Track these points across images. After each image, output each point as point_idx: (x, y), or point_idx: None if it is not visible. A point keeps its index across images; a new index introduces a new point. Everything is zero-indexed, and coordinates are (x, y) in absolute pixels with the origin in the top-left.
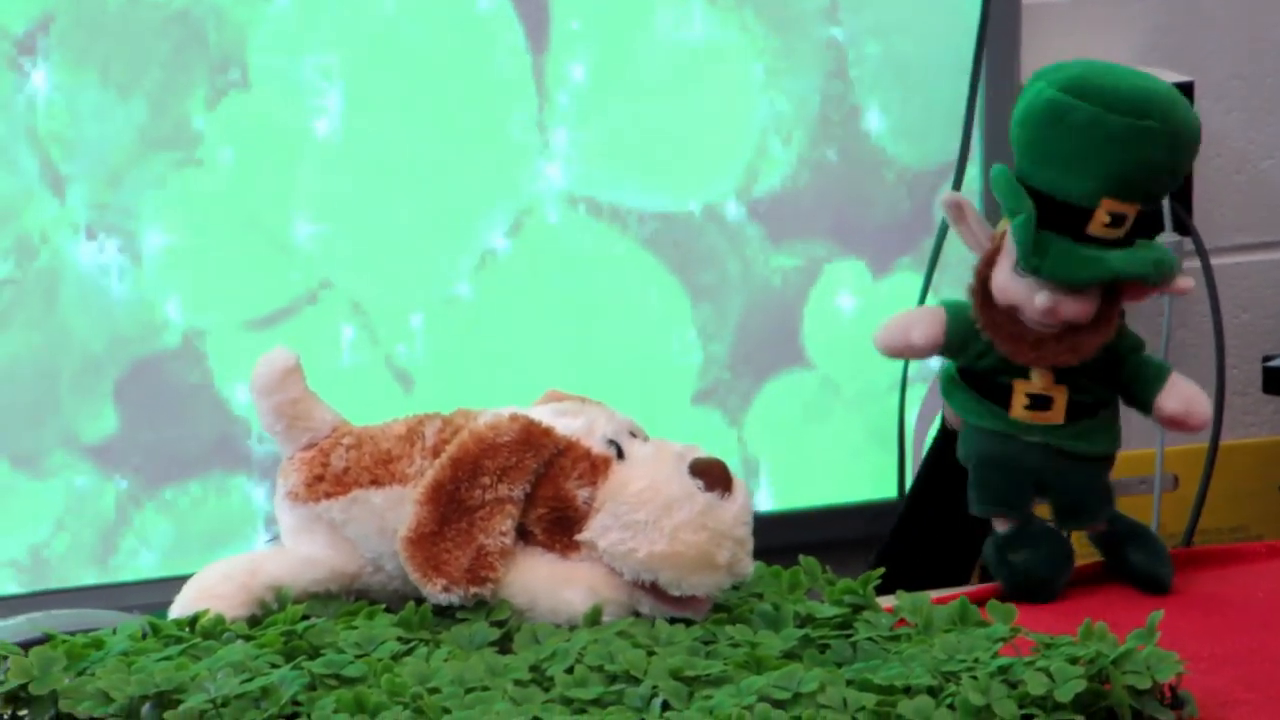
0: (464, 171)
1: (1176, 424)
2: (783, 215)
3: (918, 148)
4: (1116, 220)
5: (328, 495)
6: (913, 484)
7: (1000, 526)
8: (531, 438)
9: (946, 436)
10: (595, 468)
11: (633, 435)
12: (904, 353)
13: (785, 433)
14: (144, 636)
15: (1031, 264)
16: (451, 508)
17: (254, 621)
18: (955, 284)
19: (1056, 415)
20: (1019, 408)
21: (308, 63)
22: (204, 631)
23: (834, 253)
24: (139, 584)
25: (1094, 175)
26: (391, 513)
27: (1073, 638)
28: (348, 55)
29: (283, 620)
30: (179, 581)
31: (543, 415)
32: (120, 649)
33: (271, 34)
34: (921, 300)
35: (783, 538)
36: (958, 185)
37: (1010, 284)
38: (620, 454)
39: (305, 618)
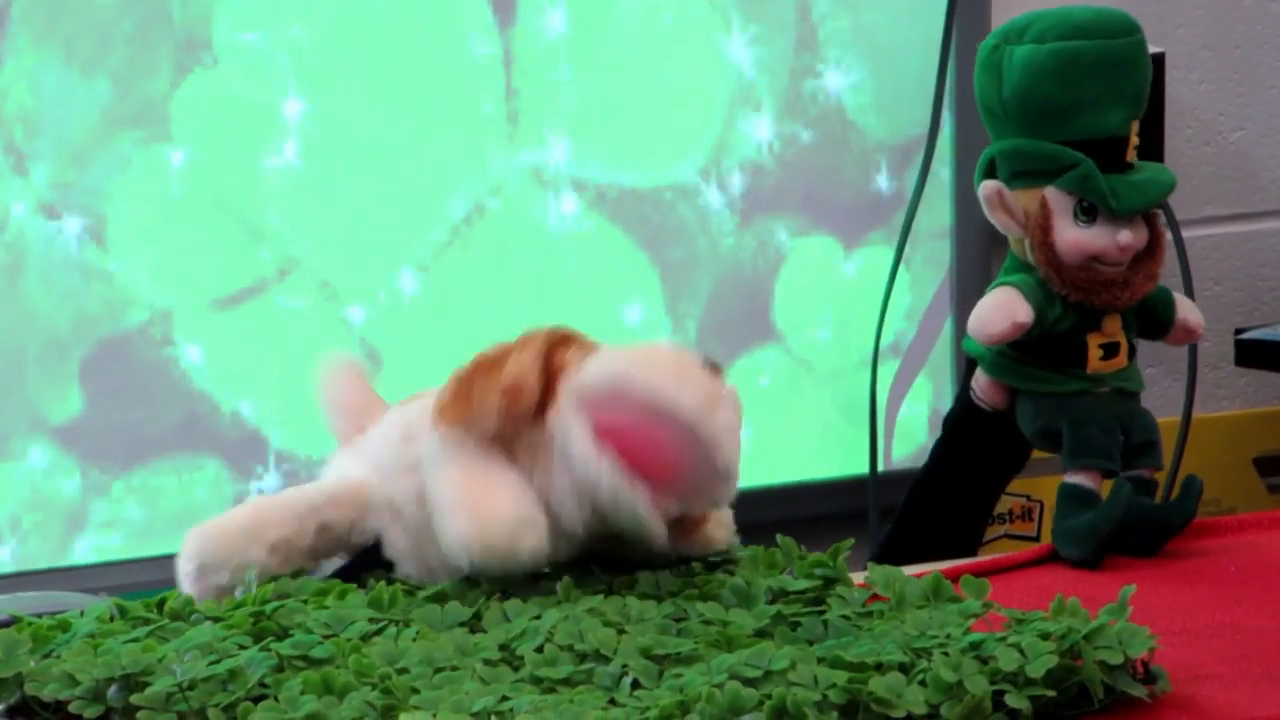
0: (432, 148)
1: (1191, 332)
2: (753, 190)
3: (888, 120)
4: (1136, 139)
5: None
6: (930, 459)
7: (1089, 482)
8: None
9: (965, 413)
10: (584, 348)
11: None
12: (1012, 335)
13: (756, 409)
14: (111, 619)
15: (1115, 206)
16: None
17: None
18: (926, 258)
19: (1123, 358)
20: (1095, 360)
21: (274, 40)
22: (172, 613)
23: (804, 227)
24: (105, 565)
25: (1122, 102)
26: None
27: (1045, 613)
28: (314, 32)
29: (251, 601)
30: (146, 563)
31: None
32: (87, 631)
33: (237, 11)
34: (893, 274)
35: (754, 514)
36: (928, 158)
37: (1081, 238)
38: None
39: (280, 596)
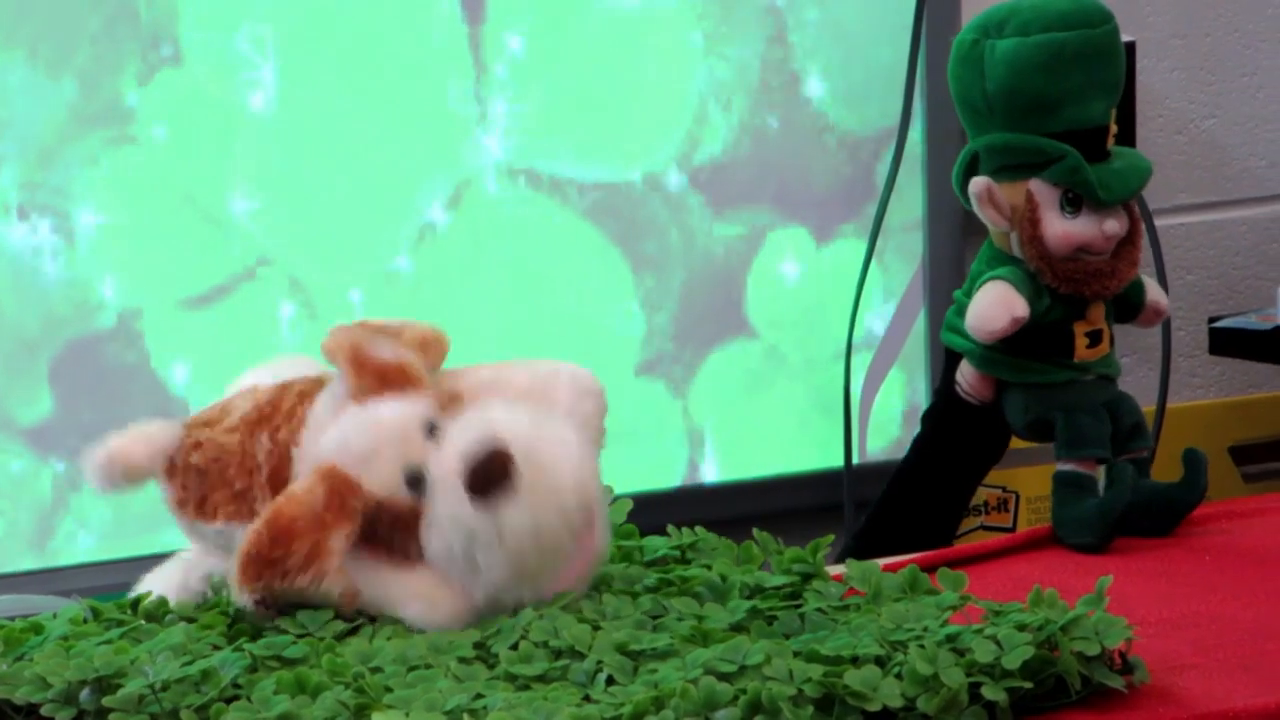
0: (402, 144)
1: (1159, 313)
2: (724, 183)
3: (859, 113)
4: (1115, 128)
5: (195, 516)
6: (911, 452)
7: (1084, 468)
8: (340, 497)
9: (948, 406)
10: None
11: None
12: (1012, 330)
13: (730, 403)
14: (85, 620)
15: (1104, 196)
16: (273, 574)
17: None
18: (898, 250)
19: (1106, 344)
20: (1081, 349)
21: (241, 37)
22: (146, 614)
23: (776, 220)
24: (78, 568)
25: (1104, 91)
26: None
27: (1022, 605)
28: (281, 29)
29: (225, 601)
30: (118, 565)
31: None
32: (60, 633)
33: (203, 8)
34: (865, 266)
35: (730, 509)
36: (899, 149)
37: (1068, 229)
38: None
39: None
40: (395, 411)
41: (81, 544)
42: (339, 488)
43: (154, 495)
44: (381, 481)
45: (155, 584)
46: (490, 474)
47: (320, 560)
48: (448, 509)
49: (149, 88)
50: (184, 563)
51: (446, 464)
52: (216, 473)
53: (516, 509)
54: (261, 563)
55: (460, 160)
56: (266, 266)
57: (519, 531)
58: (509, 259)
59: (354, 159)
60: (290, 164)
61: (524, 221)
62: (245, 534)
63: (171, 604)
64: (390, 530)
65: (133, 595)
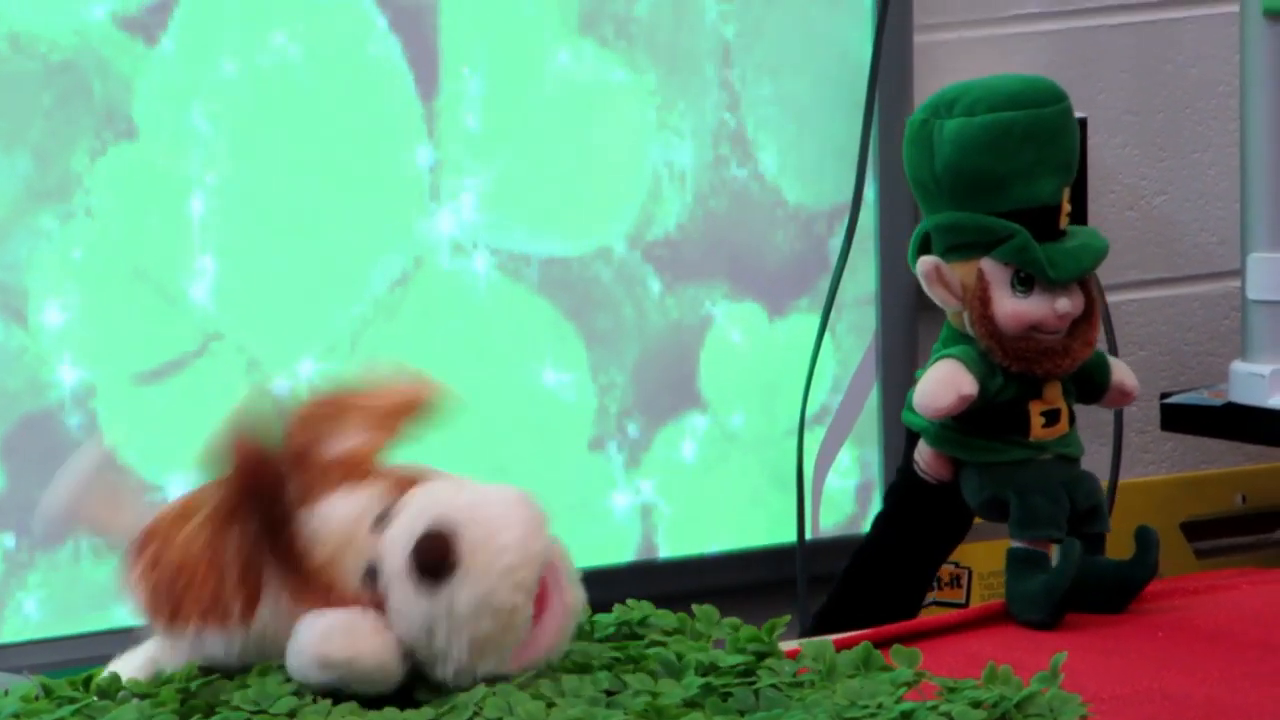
0: (355, 219)
1: (1126, 394)
2: (677, 258)
3: (812, 188)
4: (1068, 206)
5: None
6: (872, 530)
7: (1037, 545)
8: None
9: (908, 484)
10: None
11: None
12: (958, 408)
13: (682, 478)
14: (36, 698)
15: (1053, 275)
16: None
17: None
18: (851, 326)
19: (1064, 424)
20: (1037, 428)
21: (195, 112)
22: (99, 690)
23: (729, 295)
24: (28, 644)
25: (1054, 170)
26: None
27: (976, 681)
28: (235, 104)
29: (180, 677)
30: (69, 641)
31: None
32: (11, 711)
33: (157, 84)
34: (818, 342)
35: (682, 584)
36: (853, 225)
37: (1019, 308)
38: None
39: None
40: (344, 511)
41: (32, 619)
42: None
43: (107, 570)
44: (345, 584)
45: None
46: (433, 559)
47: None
48: (402, 604)
49: (102, 163)
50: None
51: (393, 558)
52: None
53: (465, 586)
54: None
55: (413, 234)
56: (219, 341)
57: (471, 607)
58: (462, 333)
59: (307, 233)
60: (243, 239)
61: (476, 296)
62: None
63: (124, 679)
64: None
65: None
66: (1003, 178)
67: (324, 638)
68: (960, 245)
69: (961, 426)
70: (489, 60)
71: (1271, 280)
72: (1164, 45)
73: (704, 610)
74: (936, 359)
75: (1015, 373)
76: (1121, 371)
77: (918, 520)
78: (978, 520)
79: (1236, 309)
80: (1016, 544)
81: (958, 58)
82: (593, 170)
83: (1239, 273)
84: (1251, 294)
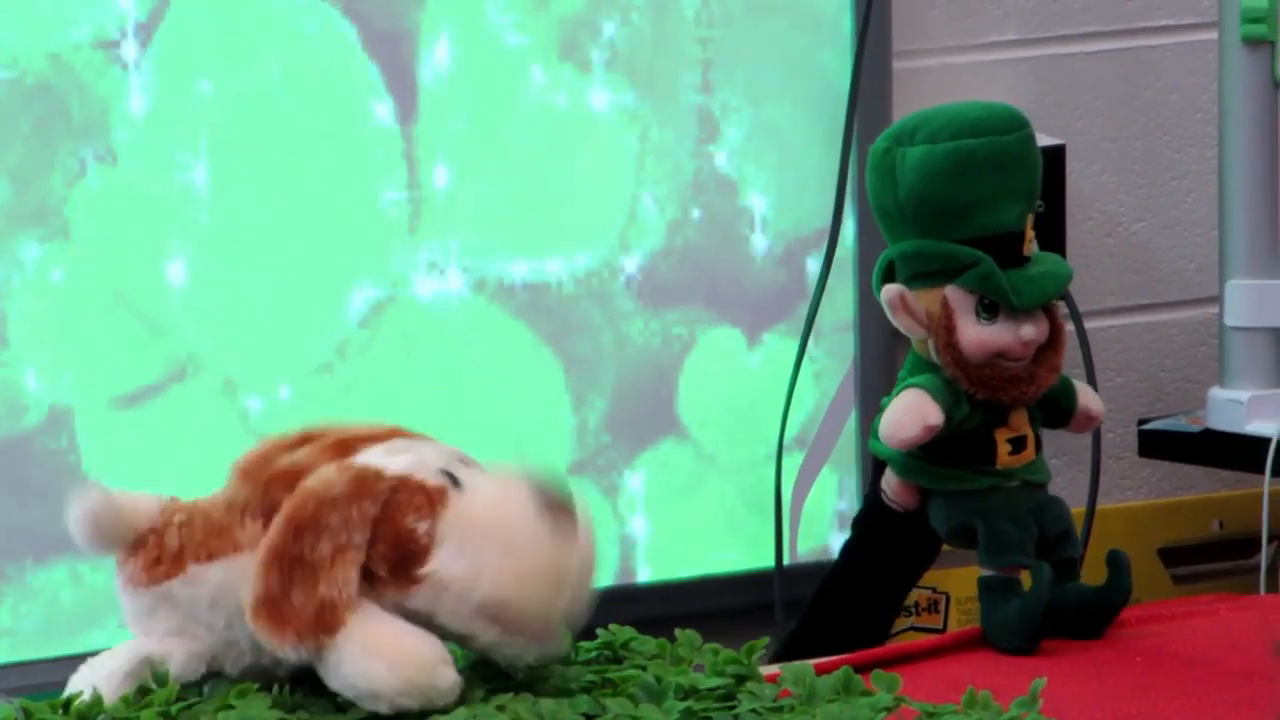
0: (333, 243)
1: (1091, 419)
2: (656, 283)
3: (791, 214)
4: (1032, 233)
5: (167, 576)
6: (840, 558)
7: (1007, 573)
8: (364, 484)
9: (875, 513)
10: (431, 500)
11: (463, 463)
12: (924, 438)
13: (661, 503)
14: None
15: (1017, 302)
16: (294, 568)
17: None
18: (830, 351)
19: (1031, 451)
20: (1004, 455)
21: (174, 136)
22: (78, 714)
23: (708, 320)
24: (5, 667)
25: (1017, 197)
26: (231, 583)
27: (956, 706)
28: (214, 128)
29: (159, 700)
30: (47, 665)
31: (371, 458)
32: None
33: (136, 108)
34: (796, 368)
35: (661, 609)
36: (831, 250)
37: (983, 336)
38: (456, 482)
39: (182, 698)
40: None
41: (9, 644)
42: (360, 475)
43: (85, 593)
44: (407, 466)
45: (97, 674)
46: (563, 508)
47: (343, 549)
48: (509, 511)
49: (80, 187)
50: (128, 651)
51: (508, 480)
52: (200, 514)
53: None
54: (283, 555)
55: (392, 259)
56: (196, 365)
57: (582, 567)
58: (439, 358)
59: (285, 257)
60: (221, 263)
61: (454, 321)
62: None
63: (111, 697)
64: (393, 560)
65: (68, 690)
66: (966, 205)
67: (408, 665)
68: (924, 273)
69: (928, 455)
70: (468, 86)
71: (1249, 307)
72: (1142, 72)
73: (686, 635)
74: (902, 388)
75: (981, 400)
76: (1087, 396)
77: (885, 548)
78: (947, 547)
79: (1214, 335)
80: (987, 572)
81: (937, 84)
82: (572, 195)
83: (1217, 299)
84: (1229, 320)
